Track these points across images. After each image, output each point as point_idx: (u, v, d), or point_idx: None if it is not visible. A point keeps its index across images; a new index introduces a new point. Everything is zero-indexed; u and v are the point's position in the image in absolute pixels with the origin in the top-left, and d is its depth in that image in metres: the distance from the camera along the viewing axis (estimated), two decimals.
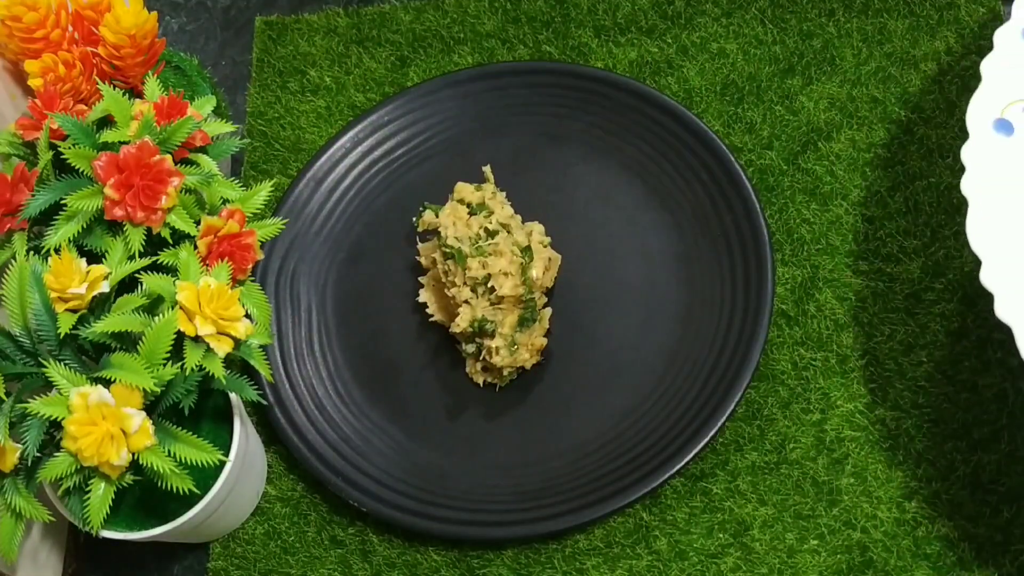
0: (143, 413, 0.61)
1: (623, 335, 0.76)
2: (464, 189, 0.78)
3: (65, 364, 0.62)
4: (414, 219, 0.81)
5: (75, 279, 0.62)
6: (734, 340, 0.72)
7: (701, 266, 0.76)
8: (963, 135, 0.78)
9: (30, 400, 0.60)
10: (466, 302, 0.73)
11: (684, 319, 0.75)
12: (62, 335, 0.62)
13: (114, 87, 0.72)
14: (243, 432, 0.69)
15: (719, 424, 0.70)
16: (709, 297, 0.75)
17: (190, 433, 0.64)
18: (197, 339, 0.63)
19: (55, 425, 0.61)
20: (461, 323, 0.73)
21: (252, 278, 0.72)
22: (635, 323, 0.76)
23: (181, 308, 0.62)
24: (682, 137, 0.79)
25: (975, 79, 0.80)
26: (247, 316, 0.66)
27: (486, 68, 0.85)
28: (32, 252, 0.65)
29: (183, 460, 0.63)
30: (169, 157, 0.67)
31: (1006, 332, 0.72)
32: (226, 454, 0.67)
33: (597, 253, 0.79)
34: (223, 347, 0.63)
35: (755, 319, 0.72)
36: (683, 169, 0.79)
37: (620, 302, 0.77)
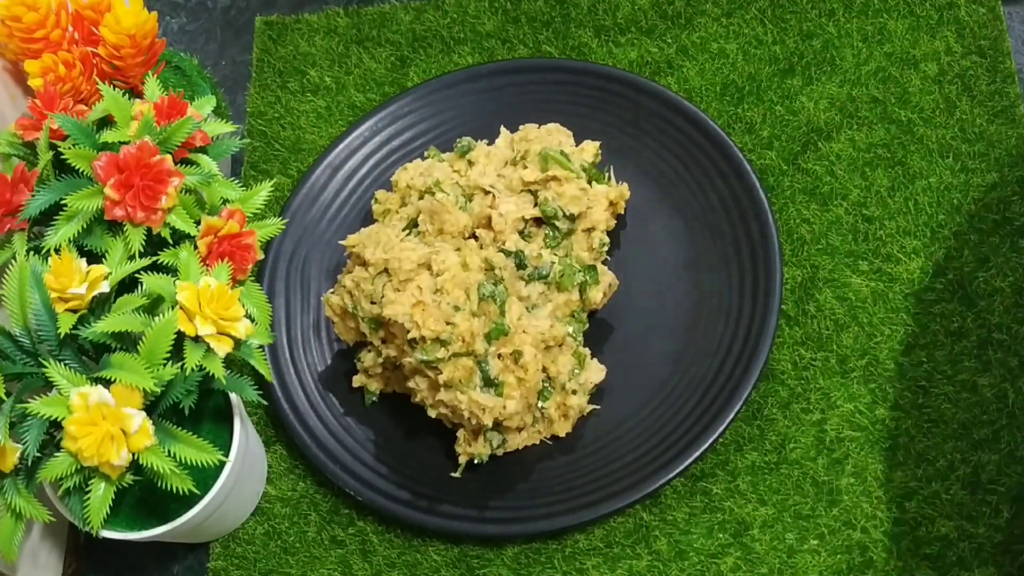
0: (143, 413, 0.61)
1: (630, 339, 0.76)
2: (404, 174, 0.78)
3: (65, 364, 0.62)
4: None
5: (75, 279, 0.62)
6: (739, 346, 0.72)
7: (710, 272, 0.76)
8: (963, 135, 0.78)
9: (30, 400, 0.60)
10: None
11: (691, 324, 0.75)
12: (62, 335, 0.62)
13: (114, 87, 0.72)
14: (243, 432, 0.69)
15: (721, 429, 0.69)
16: (717, 303, 0.74)
17: (190, 433, 0.64)
18: (197, 339, 0.63)
19: (55, 425, 0.61)
20: (462, 458, 0.72)
21: (252, 278, 0.72)
22: (642, 327, 0.76)
23: (181, 308, 0.62)
24: (697, 141, 0.79)
25: (975, 79, 0.80)
26: (247, 316, 0.66)
27: (508, 63, 0.84)
28: (32, 252, 0.65)
29: (183, 460, 0.63)
30: (169, 157, 0.67)
31: (1007, 332, 0.72)
32: (226, 454, 0.67)
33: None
34: (223, 347, 0.63)
35: (761, 326, 0.72)
36: (697, 173, 0.78)
37: (629, 307, 0.77)
